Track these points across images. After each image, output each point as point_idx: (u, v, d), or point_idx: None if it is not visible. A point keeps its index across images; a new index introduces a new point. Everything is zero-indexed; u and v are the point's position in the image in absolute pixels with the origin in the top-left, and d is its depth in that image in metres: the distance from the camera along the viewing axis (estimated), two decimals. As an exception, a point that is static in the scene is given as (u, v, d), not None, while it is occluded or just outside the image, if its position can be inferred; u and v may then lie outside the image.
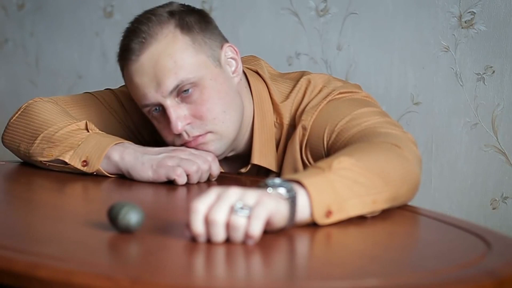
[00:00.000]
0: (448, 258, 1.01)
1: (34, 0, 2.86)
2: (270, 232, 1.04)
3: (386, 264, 0.97)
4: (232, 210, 1.00)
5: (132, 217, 1.03)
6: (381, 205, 1.16)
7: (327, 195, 1.09)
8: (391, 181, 1.18)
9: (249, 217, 0.99)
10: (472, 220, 1.69)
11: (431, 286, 0.88)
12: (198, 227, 1.00)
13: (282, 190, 1.05)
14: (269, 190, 1.05)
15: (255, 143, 1.52)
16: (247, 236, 1.00)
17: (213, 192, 1.02)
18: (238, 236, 1.00)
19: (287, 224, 1.06)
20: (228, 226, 1.00)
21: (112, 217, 1.03)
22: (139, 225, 1.03)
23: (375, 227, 1.15)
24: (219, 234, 1.00)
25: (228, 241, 1.00)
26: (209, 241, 1.00)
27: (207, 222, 1.00)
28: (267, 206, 1.01)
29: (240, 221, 0.99)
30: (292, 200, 1.05)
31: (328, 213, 1.09)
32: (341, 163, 1.13)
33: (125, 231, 1.03)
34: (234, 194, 1.01)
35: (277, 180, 1.07)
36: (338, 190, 1.10)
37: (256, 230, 0.99)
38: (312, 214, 1.08)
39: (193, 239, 1.01)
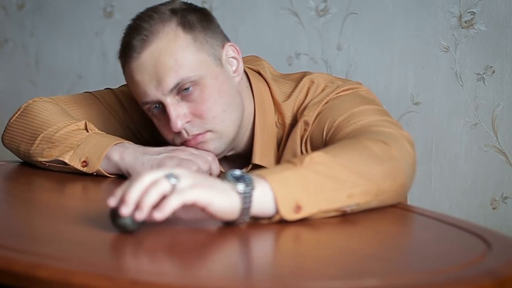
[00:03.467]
0: (448, 258, 1.01)
1: (34, 0, 2.86)
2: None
3: (386, 264, 0.97)
4: (167, 176, 1.02)
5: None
6: (358, 199, 1.15)
7: (296, 190, 1.09)
8: (370, 175, 1.17)
9: (171, 192, 1.01)
10: (472, 220, 1.69)
11: (431, 286, 0.88)
12: (124, 186, 1.03)
13: (239, 185, 1.06)
14: (225, 182, 1.06)
15: (256, 143, 1.52)
16: (157, 206, 1.01)
17: (169, 163, 1.10)
18: (149, 195, 1.01)
19: (239, 217, 1.06)
20: (148, 187, 1.02)
21: (112, 216, 1.03)
22: (135, 225, 1.03)
23: (374, 227, 1.15)
24: (135, 189, 1.01)
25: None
26: (206, 240, 1.00)
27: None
28: (196, 194, 1.02)
29: (163, 183, 1.02)
30: (245, 196, 1.06)
31: (297, 208, 1.09)
32: (314, 158, 1.13)
33: (123, 230, 1.03)
34: (181, 170, 1.04)
35: (237, 173, 1.07)
36: (308, 185, 1.10)
37: (171, 204, 1.01)
38: (278, 209, 1.08)
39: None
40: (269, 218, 1.09)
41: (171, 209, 1.01)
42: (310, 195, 1.10)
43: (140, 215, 1.01)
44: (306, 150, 1.47)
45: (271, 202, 1.08)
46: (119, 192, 1.03)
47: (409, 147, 1.30)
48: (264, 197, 1.07)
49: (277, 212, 1.08)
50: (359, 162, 1.18)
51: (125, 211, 1.01)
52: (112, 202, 1.03)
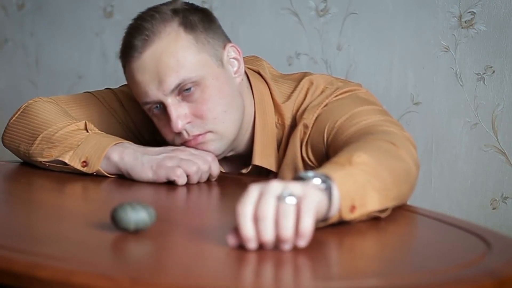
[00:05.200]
0: (448, 258, 1.01)
1: (34, 0, 2.86)
2: None
3: (386, 264, 0.97)
4: (279, 199, 0.95)
5: (131, 217, 1.02)
6: (390, 202, 1.15)
7: (352, 190, 1.07)
8: (396, 178, 1.17)
9: (297, 210, 0.95)
10: (472, 220, 1.69)
11: (431, 286, 0.88)
12: (249, 229, 0.95)
13: (317, 181, 1.02)
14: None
15: (256, 143, 1.52)
16: (297, 234, 0.95)
17: (255, 190, 0.97)
18: (287, 228, 0.94)
19: (323, 216, 1.03)
20: (277, 220, 0.95)
21: (115, 215, 1.03)
22: (141, 225, 1.03)
23: (374, 227, 1.14)
24: (268, 229, 0.94)
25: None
26: (205, 240, 1.00)
27: (256, 220, 0.95)
28: (315, 198, 0.98)
29: (289, 207, 0.95)
30: (329, 192, 1.03)
31: (352, 208, 1.07)
32: (360, 157, 1.11)
33: (127, 230, 1.03)
34: (277, 185, 0.97)
35: (310, 173, 1.03)
36: (360, 185, 1.08)
37: (308, 225, 0.95)
38: (339, 209, 1.05)
39: (242, 247, 0.96)
40: (324, 220, 1.05)
41: (311, 232, 0.96)
42: (362, 196, 1.08)
43: (288, 247, 0.97)
44: (307, 153, 1.47)
45: (338, 201, 1.05)
46: (247, 232, 0.95)
47: (412, 148, 1.30)
48: (336, 195, 1.05)
49: (338, 212, 1.05)
50: (388, 163, 1.17)
51: (268, 247, 0.96)
52: (251, 245, 0.96)
